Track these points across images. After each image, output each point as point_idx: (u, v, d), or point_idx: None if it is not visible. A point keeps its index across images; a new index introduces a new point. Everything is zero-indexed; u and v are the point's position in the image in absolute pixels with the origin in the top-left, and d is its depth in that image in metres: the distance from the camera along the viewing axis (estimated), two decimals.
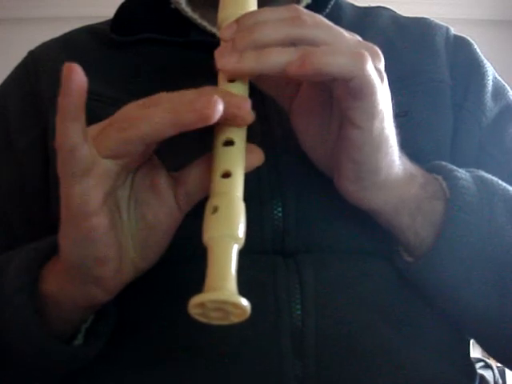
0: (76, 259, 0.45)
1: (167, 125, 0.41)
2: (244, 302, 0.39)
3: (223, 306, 0.39)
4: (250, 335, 0.51)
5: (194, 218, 0.45)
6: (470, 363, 0.61)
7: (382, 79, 0.47)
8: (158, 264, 0.49)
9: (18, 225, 0.62)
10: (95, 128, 0.44)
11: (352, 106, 0.46)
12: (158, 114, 0.41)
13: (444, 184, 0.54)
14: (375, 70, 0.45)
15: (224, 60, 0.45)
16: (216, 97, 0.40)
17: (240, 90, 0.46)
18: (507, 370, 1.69)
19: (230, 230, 0.41)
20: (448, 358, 0.57)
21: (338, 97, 0.47)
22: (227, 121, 0.44)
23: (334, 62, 0.44)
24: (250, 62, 0.44)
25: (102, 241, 0.44)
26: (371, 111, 0.46)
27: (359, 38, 0.48)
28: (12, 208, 0.63)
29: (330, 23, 0.47)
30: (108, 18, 0.70)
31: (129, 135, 0.42)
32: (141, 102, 0.44)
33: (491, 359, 1.54)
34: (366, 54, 0.44)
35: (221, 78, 0.47)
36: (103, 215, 0.43)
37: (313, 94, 0.50)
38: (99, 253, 0.44)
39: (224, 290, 0.39)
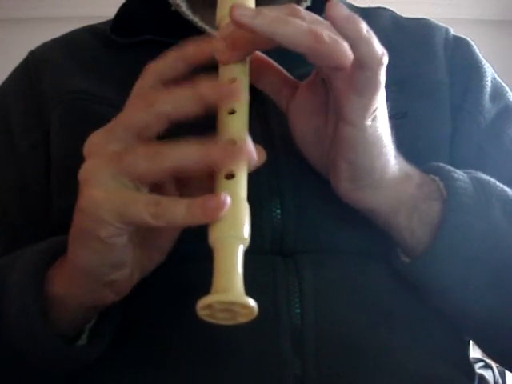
0: (92, 267, 0.45)
1: (197, 163, 0.42)
2: (251, 302, 0.40)
3: (231, 306, 0.40)
4: (250, 334, 0.51)
5: None
6: (469, 363, 0.61)
7: None
8: (161, 264, 0.50)
9: (19, 225, 0.62)
10: (102, 134, 0.44)
11: (349, 101, 0.46)
12: (190, 152, 0.42)
13: (441, 185, 0.54)
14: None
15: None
16: (248, 142, 0.42)
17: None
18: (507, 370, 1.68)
19: (235, 230, 0.41)
20: (447, 358, 0.57)
21: (337, 91, 0.47)
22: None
23: (370, 45, 0.44)
24: (264, 24, 0.44)
25: (122, 250, 0.45)
26: (366, 108, 0.46)
27: None
28: (13, 208, 0.63)
29: (327, 22, 0.47)
30: (108, 18, 0.70)
31: (159, 167, 0.42)
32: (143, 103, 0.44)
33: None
34: (387, 54, 0.45)
35: (221, 72, 0.47)
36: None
37: (310, 95, 0.51)
38: (118, 259, 0.45)
39: (232, 291, 0.39)
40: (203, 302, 0.39)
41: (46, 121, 0.62)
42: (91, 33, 0.70)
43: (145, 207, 0.41)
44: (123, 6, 0.70)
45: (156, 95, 0.43)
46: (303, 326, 0.52)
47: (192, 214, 0.41)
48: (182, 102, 0.42)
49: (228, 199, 0.41)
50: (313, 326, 0.52)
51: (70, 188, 0.46)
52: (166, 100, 0.43)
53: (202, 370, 0.51)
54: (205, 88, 0.42)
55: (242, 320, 0.41)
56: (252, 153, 0.42)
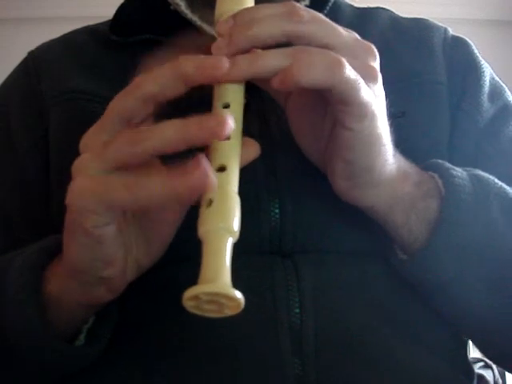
0: (84, 263, 0.45)
1: (178, 141, 0.41)
2: (238, 294, 0.39)
3: (217, 298, 0.40)
4: (249, 334, 0.51)
5: (191, 219, 0.45)
6: (468, 363, 0.61)
7: (374, 78, 0.47)
8: (157, 264, 0.50)
9: (18, 225, 0.62)
10: (93, 127, 0.44)
11: (340, 109, 0.46)
12: (169, 131, 0.41)
13: (439, 182, 0.54)
14: (355, 75, 0.45)
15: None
16: (225, 116, 0.40)
17: (235, 87, 0.46)
18: None
19: (224, 222, 0.41)
20: (446, 357, 0.57)
21: (327, 101, 0.48)
22: None
23: (311, 75, 0.44)
24: (242, 70, 0.45)
25: (111, 244, 0.44)
26: (359, 114, 0.46)
27: (356, 35, 0.49)
28: (13, 209, 0.63)
29: (327, 19, 0.47)
30: (108, 18, 0.70)
31: (140, 150, 0.41)
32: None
33: None
34: (343, 60, 0.44)
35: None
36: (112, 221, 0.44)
37: (307, 92, 0.50)
38: (109, 255, 0.45)
39: (218, 282, 0.39)
40: (189, 292, 0.39)
41: (46, 120, 0.62)
42: (91, 33, 0.70)
43: (122, 187, 0.41)
44: (122, 5, 0.70)
45: (139, 79, 0.43)
46: (302, 325, 0.52)
47: (170, 185, 0.40)
48: (165, 82, 0.42)
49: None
50: (312, 325, 0.52)
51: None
52: (149, 82, 0.43)
53: (201, 371, 0.51)
54: (187, 66, 0.42)
55: (228, 313, 0.41)
56: (227, 128, 0.40)
